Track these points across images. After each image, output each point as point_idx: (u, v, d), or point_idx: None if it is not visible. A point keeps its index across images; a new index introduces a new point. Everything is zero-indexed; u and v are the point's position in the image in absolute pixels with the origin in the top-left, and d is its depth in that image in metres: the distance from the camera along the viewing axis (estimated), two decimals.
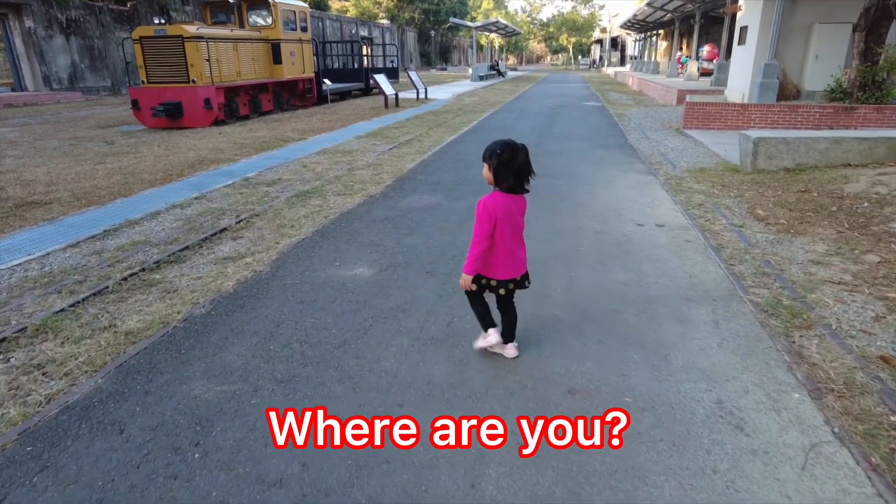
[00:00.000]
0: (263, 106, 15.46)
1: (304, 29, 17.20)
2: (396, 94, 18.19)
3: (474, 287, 2.78)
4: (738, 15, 15.68)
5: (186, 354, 2.97)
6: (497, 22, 38.87)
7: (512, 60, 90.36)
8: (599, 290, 3.76)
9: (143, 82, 13.09)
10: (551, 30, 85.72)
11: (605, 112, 16.33)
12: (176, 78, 12.79)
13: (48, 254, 4.65)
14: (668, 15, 27.71)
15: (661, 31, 38.82)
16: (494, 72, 43.36)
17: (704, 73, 25.30)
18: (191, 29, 12.61)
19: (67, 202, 6.33)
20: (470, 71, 49.64)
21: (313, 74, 17.96)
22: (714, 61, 26.96)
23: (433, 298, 3.63)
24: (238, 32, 14.60)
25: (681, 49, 33.17)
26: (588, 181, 7.13)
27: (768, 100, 12.89)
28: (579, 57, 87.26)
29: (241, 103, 14.39)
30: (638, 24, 37.89)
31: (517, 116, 15.28)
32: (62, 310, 3.56)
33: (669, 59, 36.36)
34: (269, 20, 15.69)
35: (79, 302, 3.68)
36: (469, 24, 41.58)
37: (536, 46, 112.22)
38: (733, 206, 5.97)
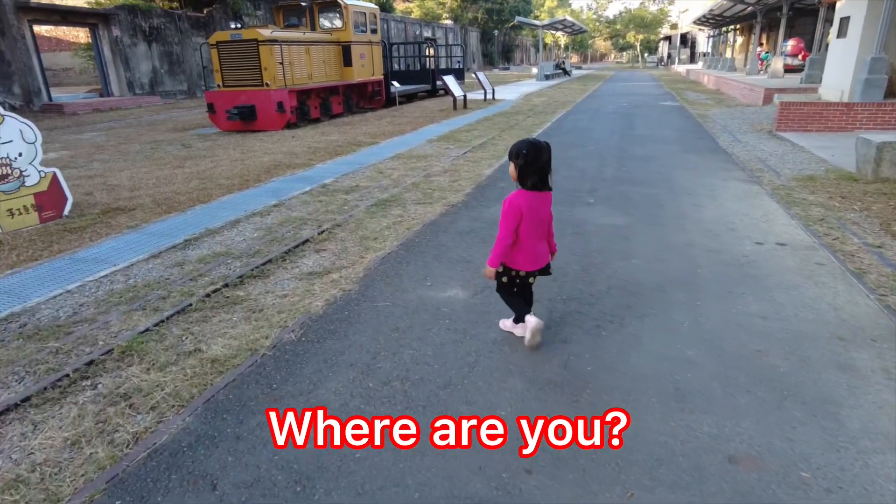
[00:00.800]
0: (333, 109, 15.48)
1: (373, 31, 17.14)
2: (465, 96, 17.87)
3: (504, 279, 2.99)
4: (838, 5, 14.44)
5: (278, 390, 2.70)
6: (564, 20, 37.94)
7: (576, 59, 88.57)
8: (734, 326, 3.26)
9: (218, 86, 13.32)
10: (618, 27, 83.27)
11: (686, 112, 15.42)
12: (250, 81, 12.93)
13: (132, 265, 4.55)
14: (749, 8, 26.12)
15: (738, 26, 36.81)
16: (560, 71, 42.42)
17: (788, 70, 23.68)
18: (265, 32, 12.70)
19: (149, 208, 6.32)
20: (534, 70, 48.79)
21: (382, 77, 17.89)
22: (799, 57, 25.24)
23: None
24: (310, 35, 14.66)
25: (761, 44, 31.29)
26: (687, 190, 6.53)
27: (874, 98, 11.72)
28: (645, 55, 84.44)
29: (313, 106, 14.44)
30: (713, 20, 36.06)
31: (591, 117, 14.63)
32: (147, 329, 3.39)
33: (746, 56, 34.40)
34: (340, 22, 15.70)
35: (163, 321, 3.50)
36: (535, 22, 40.80)
37: (601, 44, 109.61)
38: (861, 221, 5.26)
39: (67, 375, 2.93)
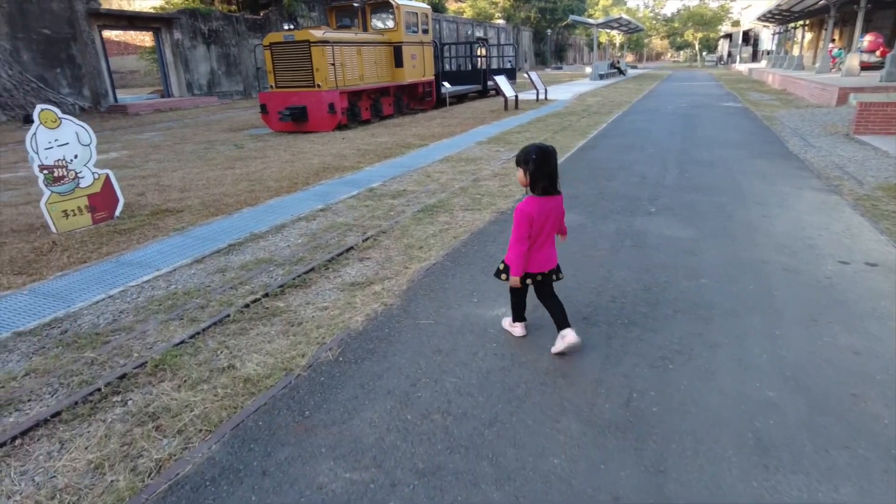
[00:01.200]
0: (384, 110, 15.43)
1: (425, 31, 17.01)
2: (516, 96, 17.51)
3: (528, 282, 2.99)
4: None
5: (311, 418, 2.50)
6: (620, 18, 36.92)
7: (630, 58, 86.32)
8: (821, 362, 2.86)
9: (271, 87, 13.45)
10: (676, 25, 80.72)
11: (750, 114, 14.58)
12: (302, 82, 12.99)
13: (174, 270, 4.49)
14: (822, 1, 24.62)
15: (807, 22, 34.85)
16: (615, 70, 41.35)
17: (865, 68, 22.17)
18: (317, 34, 12.73)
19: (197, 210, 6.31)
20: (588, 69, 47.76)
21: (433, 77, 17.74)
22: (877, 53, 23.63)
23: (598, 360, 2.92)
24: (361, 36, 14.64)
25: (833, 40, 29.50)
26: (757, 199, 6.03)
27: None
28: (704, 53, 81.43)
29: (363, 107, 14.42)
30: (780, 15, 34.27)
31: (650, 118, 14.03)
32: (182, 342, 3.27)
33: (815, 53, 32.46)
34: (392, 23, 15.63)
35: (199, 333, 3.38)
36: (590, 21, 39.93)
37: (657, 43, 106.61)
38: None
39: (99, 390, 2.82)
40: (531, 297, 3.11)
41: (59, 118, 5.52)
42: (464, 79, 22.51)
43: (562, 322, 2.95)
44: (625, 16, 38.34)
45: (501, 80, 17.30)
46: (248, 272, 4.37)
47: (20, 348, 3.33)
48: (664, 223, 5.30)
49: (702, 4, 77.66)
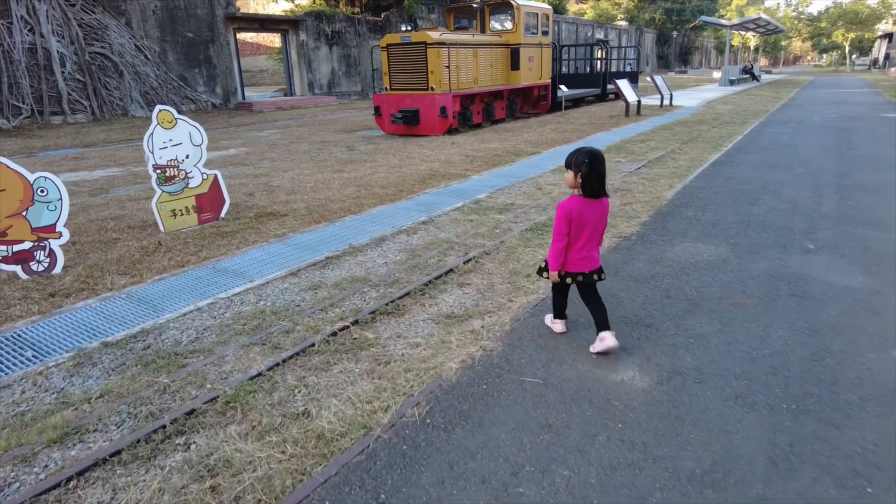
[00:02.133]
0: (496, 114, 14.94)
1: (544, 32, 16.31)
2: (639, 101, 16.32)
3: (568, 281, 3.07)
4: None
5: None
6: (758, 18, 33.78)
7: (763, 62, 79.50)
8: None
9: (385, 89, 13.41)
10: (822, 24, 73.14)
11: None
12: (416, 85, 12.82)
13: (267, 283, 4.25)
14: None
15: None
16: (747, 75, 38.04)
17: None
18: (434, 35, 12.49)
19: (301, 216, 6.16)
20: (716, 74, 44.37)
21: (550, 80, 16.99)
22: None
23: (762, 465, 2.20)
24: (479, 37, 14.24)
25: None
26: None
27: None
28: (853, 56, 73.14)
29: (475, 111, 14.02)
30: None
31: (794, 131, 12.40)
32: (259, 374, 2.95)
33: None
34: (510, 24, 15.10)
35: (279, 364, 3.05)
36: (723, 22, 37.00)
37: (798, 45, 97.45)
38: None
39: (164, 427, 2.54)
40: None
41: (175, 119, 5.55)
42: (582, 82, 21.52)
43: (602, 324, 3.01)
44: (764, 16, 35.02)
45: (623, 84, 16.20)
46: (340, 292, 4.03)
47: (103, 362, 3.18)
48: (829, 265, 4.32)
49: (857, 2, 69.69)
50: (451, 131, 13.05)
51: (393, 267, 4.50)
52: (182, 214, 5.71)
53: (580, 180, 2.86)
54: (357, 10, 27.45)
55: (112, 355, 3.26)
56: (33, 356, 3.29)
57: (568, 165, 2.93)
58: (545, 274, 3.14)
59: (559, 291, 3.21)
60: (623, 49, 32.03)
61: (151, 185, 5.52)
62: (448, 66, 12.52)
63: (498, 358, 3.03)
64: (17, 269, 4.50)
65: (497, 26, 15.56)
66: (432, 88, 12.59)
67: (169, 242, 5.30)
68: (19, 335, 3.56)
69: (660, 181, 7.42)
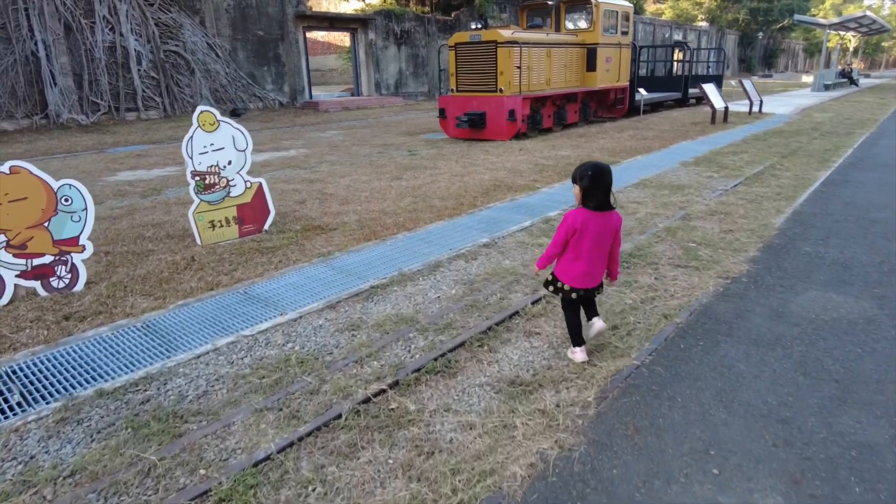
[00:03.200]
0: (568, 118, 13.98)
1: (624, 32, 15.18)
2: (726, 107, 14.91)
3: (551, 289, 3.08)
4: None
5: None
6: (863, 17, 30.87)
7: (859, 65, 73.69)
8: None
9: (452, 90, 12.75)
10: None
11: None
12: (484, 86, 12.08)
13: (300, 317, 3.63)
14: None
15: None
16: (844, 79, 34.97)
17: None
18: (505, 34, 11.71)
19: (350, 231, 5.54)
20: (806, 78, 41.17)
21: (627, 83, 15.83)
22: None
23: None
24: (553, 37, 13.34)
25: None
26: None
27: None
28: None
29: (546, 115, 13.13)
30: None
31: None
32: (268, 457, 2.30)
33: None
34: (588, 22, 14.09)
35: (293, 443, 2.38)
36: (821, 21, 34.19)
37: None
38: None
39: None
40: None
41: (218, 121, 5.05)
42: (661, 85, 20.12)
43: (591, 312, 3.08)
44: (870, 13, 31.97)
45: (710, 89, 14.84)
46: (381, 336, 3.35)
47: (91, 419, 2.62)
48: None
49: None
50: (518, 136, 12.23)
51: (446, 304, 3.78)
52: (221, 226, 5.21)
53: (583, 192, 2.83)
54: (427, 9, 26.99)
55: (104, 409, 2.69)
56: (18, 403, 2.78)
57: (573, 179, 2.90)
58: (551, 287, 3.06)
59: (570, 312, 3.07)
60: (706, 51, 30.05)
61: (189, 193, 5.05)
62: (519, 67, 11.70)
63: (580, 464, 2.23)
64: (37, 285, 4.08)
65: (573, 25, 14.60)
66: (501, 90, 11.81)
67: (203, 258, 4.79)
68: (15, 370, 3.08)
69: (763, 203, 6.34)
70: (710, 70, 25.23)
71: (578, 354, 3.02)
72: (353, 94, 24.13)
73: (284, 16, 20.45)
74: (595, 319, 3.03)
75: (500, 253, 4.77)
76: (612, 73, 14.92)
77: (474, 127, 12.04)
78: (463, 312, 3.62)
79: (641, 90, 16.57)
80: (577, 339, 3.05)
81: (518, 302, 3.75)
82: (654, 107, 18.95)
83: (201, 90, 18.33)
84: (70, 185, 4.12)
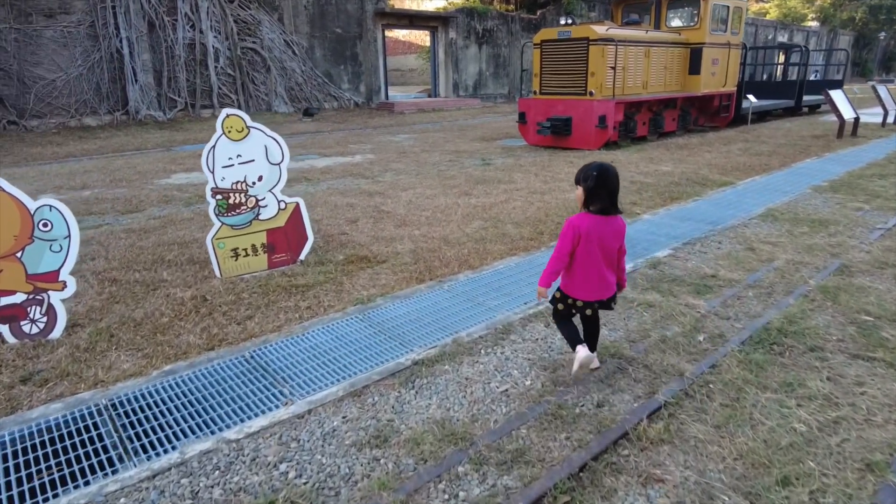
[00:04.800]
0: (665, 125, 12.37)
1: (734, 31, 13.35)
2: (857, 118, 12.74)
3: (560, 306, 2.79)
4: None
5: None
6: None
7: None
8: None
9: (534, 93, 11.50)
10: None
11: None
12: (571, 89, 10.76)
13: (310, 411, 2.57)
14: None
15: None
16: None
17: None
18: (599, 30, 10.33)
19: (402, 265, 4.49)
20: None
21: (735, 88, 13.96)
22: None
23: None
24: (653, 35, 11.79)
25: None
26: None
27: None
28: None
29: (641, 122, 11.61)
30: None
31: None
32: None
33: None
34: (694, 19, 12.41)
35: None
36: None
37: None
38: None
39: None
40: None
41: (247, 127, 4.12)
42: (770, 91, 17.89)
43: (590, 345, 2.81)
44: None
45: (837, 96, 12.73)
46: (416, 466, 2.24)
47: None
48: None
49: None
50: (608, 145, 10.82)
51: (517, 406, 2.61)
52: (247, 255, 4.29)
53: (586, 194, 2.62)
54: (511, 6, 25.75)
55: None
56: None
57: (576, 181, 2.69)
58: (561, 306, 2.79)
59: (565, 323, 2.82)
60: (825, 53, 26.88)
61: (210, 215, 4.15)
62: (613, 68, 10.28)
63: None
64: (4, 329, 3.28)
65: (676, 22, 12.95)
66: (591, 93, 10.44)
67: (217, 297, 3.87)
68: None
69: None
70: (818, 75, 22.41)
71: (581, 351, 2.67)
72: (429, 95, 23.29)
73: (364, 13, 19.86)
74: (580, 348, 2.68)
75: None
76: (718, 77, 13.14)
77: (558, 134, 10.76)
78: (541, 428, 2.44)
79: (750, 96, 14.59)
80: (576, 339, 2.76)
81: (626, 413, 2.52)
82: (760, 115, 16.81)
83: (276, 88, 18.03)
84: (50, 206, 3.29)
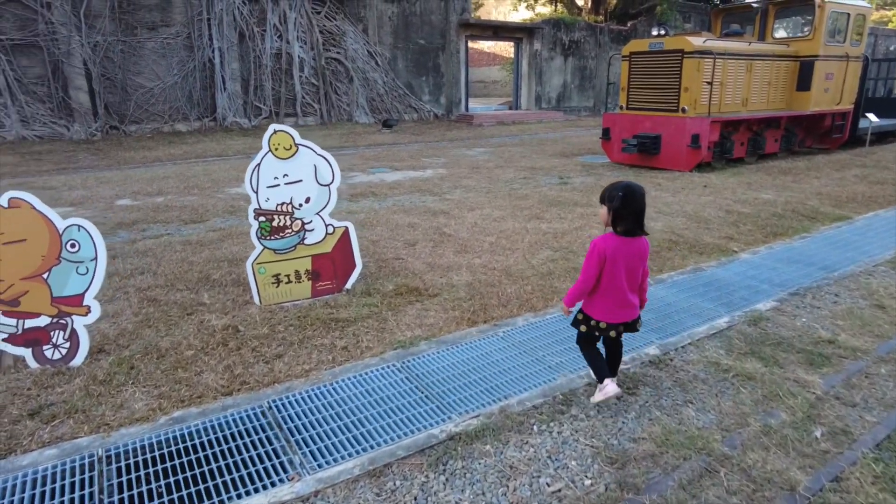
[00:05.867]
0: (766, 146, 11.19)
1: (855, 42, 11.93)
2: None
3: (583, 328, 2.70)
4: None
5: None
6: None
7: None
8: None
9: (620, 107, 10.74)
10: None
11: None
12: (661, 105, 9.92)
13: (317, 493, 2.15)
14: None
15: None
16: None
17: None
18: (695, 41, 9.45)
19: (456, 301, 4.02)
20: None
21: (852, 106, 12.49)
22: None
23: None
24: (756, 46, 10.71)
25: None
26: None
27: None
28: None
29: (738, 142, 10.54)
30: None
31: None
32: None
33: None
34: (807, 29, 11.19)
35: None
36: None
37: None
38: None
39: None
40: None
41: (296, 144, 3.82)
42: (891, 109, 15.96)
43: (611, 370, 2.77)
44: None
45: None
46: None
47: None
48: None
49: None
50: (700, 167, 9.87)
51: None
52: (289, 281, 3.97)
53: (612, 215, 2.53)
54: (600, 17, 24.82)
55: None
56: None
57: (601, 199, 2.61)
58: (583, 328, 2.70)
59: (587, 345, 2.75)
60: None
61: (252, 238, 3.87)
62: (710, 83, 9.37)
63: None
64: (27, 353, 3.10)
65: (784, 32, 11.76)
66: (684, 110, 9.57)
67: (249, 329, 3.56)
68: None
69: None
70: None
71: (610, 387, 2.65)
72: (510, 108, 22.79)
73: (447, 24, 19.70)
74: (608, 381, 2.66)
75: (678, 386, 2.91)
76: (832, 94, 11.77)
77: (645, 152, 9.94)
78: None
79: (871, 115, 13.02)
80: (604, 370, 2.71)
81: None
82: (879, 137, 15.01)
83: (358, 99, 18.16)
84: (79, 226, 3.09)
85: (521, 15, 28.05)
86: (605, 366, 2.75)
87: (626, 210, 2.52)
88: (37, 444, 2.49)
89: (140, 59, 15.11)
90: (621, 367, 3.01)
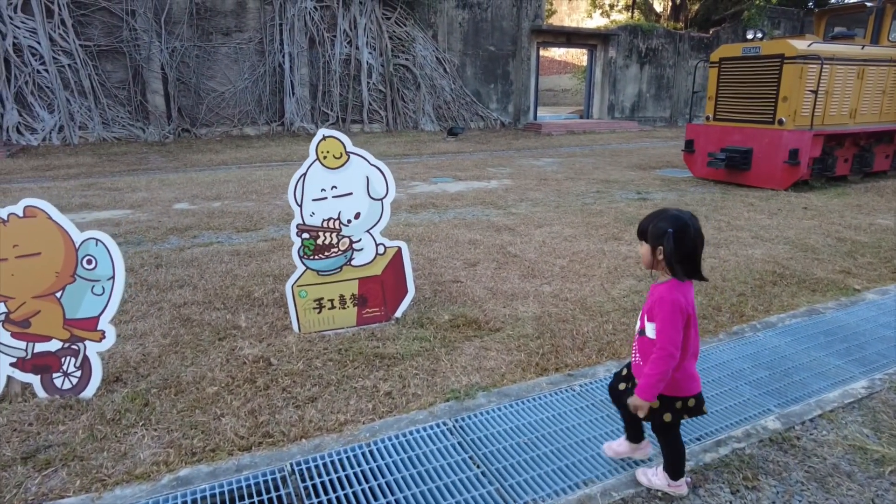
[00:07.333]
0: (875, 163, 9.94)
1: None
2: None
3: (668, 417, 2.02)
4: None
5: None
6: None
7: None
8: None
9: (707, 118, 9.81)
10: None
11: None
12: (754, 115, 8.95)
13: None
14: None
15: None
16: None
17: None
18: (799, 45, 8.45)
19: (520, 340, 3.43)
20: None
21: None
22: None
23: None
24: (870, 50, 9.52)
25: None
26: None
27: None
28: None
29: (842, 158, 9.38)
30: None
31: None
32: None
33: None
34: None
35: None
36: None
37: None
38: None
39: None
40: None
41: (347, 152, 3.35)
42: None
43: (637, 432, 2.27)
44: None
45: None
46: None
47: None
48: None
49: None
50: (797, 185, 8.82)
51: None
52: (333, 307, 3.50)
53: (661, 259, 1.93)
54: (680, 24, 23.54)
55: None
56: None
57: (642, 235, 2.02)
58: (667, 415, 2.02)
59: (676, 433, 2.09)
60: None
61: (292, 256, 3.43)
62: (814, 91, 8.34)
63: None
64: (36, 380, 2.76)
65: None
66: (781, 122, 8.57)
67: (283, 363, 3.11)
68: None
69: None
70: None
71: (684, 487, 2.10)
72: (581, 117, 21.91)
73: (519, 30, 19.12)
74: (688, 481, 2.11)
75: (814, 480, 2.20)
76: None
77: (734, 167, 9.00)
78: None
79: None
80: (684, 464, 2.11)
81: None
82: None
83: (424, 106, 17.86)
84: (97, 240, 2.72)
85: (595, 22, 27.11)
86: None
87: (682, 253, 1.91)
88: (19, 502, 2.10)
89: (213, 63, 15.38)
90: (734, 445, 2.34)
